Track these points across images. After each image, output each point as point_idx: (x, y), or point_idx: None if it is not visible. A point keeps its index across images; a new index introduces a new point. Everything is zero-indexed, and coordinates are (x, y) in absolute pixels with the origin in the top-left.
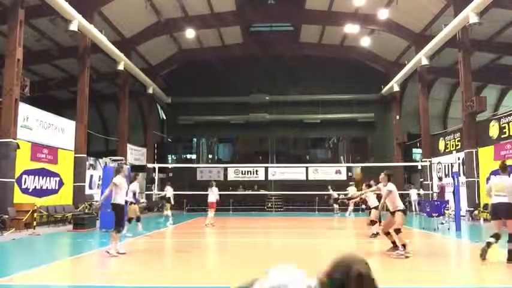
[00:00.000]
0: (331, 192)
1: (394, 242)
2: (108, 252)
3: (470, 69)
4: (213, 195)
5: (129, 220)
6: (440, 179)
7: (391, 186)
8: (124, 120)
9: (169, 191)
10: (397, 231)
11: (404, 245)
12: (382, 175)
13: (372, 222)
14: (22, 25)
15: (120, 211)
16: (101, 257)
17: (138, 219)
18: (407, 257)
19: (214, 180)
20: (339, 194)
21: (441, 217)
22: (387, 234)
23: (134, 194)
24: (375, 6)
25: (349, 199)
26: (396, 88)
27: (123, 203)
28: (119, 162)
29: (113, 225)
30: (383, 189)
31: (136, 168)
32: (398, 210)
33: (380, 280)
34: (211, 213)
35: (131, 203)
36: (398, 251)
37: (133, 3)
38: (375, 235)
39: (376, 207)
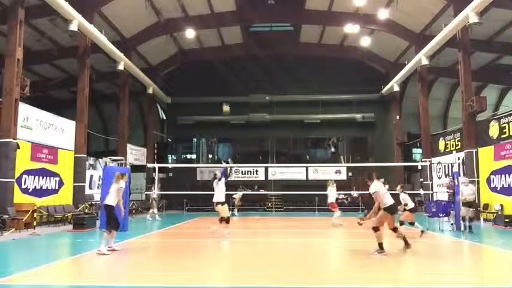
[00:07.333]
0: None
1: (405, 240)
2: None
3: (470, 69)
4: (332, 195)
5: (227, 220)
6: (463, 175)
7: (375, 186)
8: (124, 120)
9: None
10: (374, 229)
11: (380, 244)
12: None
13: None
14: (22, 25)
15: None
16: (101, 257)
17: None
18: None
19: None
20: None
21: (446, 217)
22: (394, 230)
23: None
24: (375, 6)
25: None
26: (396, 88)
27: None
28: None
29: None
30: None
31: (136, 168)
32: (384, 209)
33: (380, 280)
34: (336, 212)
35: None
36: (376, 250)
37: (133, 3)
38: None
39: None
